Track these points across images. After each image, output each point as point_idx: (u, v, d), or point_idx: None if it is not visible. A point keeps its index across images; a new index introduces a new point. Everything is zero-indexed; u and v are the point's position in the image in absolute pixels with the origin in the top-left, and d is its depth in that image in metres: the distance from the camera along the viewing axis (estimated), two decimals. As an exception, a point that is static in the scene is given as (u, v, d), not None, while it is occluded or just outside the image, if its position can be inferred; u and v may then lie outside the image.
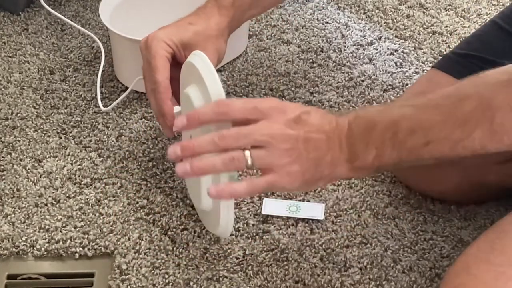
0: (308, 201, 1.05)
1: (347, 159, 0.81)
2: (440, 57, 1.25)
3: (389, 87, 1.26)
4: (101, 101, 1.22)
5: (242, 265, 0.97)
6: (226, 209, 0.90)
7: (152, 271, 0.96)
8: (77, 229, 1.01)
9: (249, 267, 0.97)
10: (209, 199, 0.93)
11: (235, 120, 0.82)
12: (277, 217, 1.03)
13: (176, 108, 0.99)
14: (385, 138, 0.79)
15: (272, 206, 1.03)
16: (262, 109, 0.80)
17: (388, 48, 1.36)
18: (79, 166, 1.11)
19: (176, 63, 1.00)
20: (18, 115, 1.20)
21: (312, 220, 1.03)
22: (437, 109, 0.78)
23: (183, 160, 0.83)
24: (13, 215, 1.03)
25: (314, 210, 1.04)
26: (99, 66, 1.30)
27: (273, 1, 1.18)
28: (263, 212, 1.01)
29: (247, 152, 0.79)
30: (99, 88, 1.21)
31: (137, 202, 1.05)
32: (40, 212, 1.04)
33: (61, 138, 1.16)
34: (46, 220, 1.02)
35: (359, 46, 1.36)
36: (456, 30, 1.40)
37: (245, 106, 0.81)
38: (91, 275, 0.97)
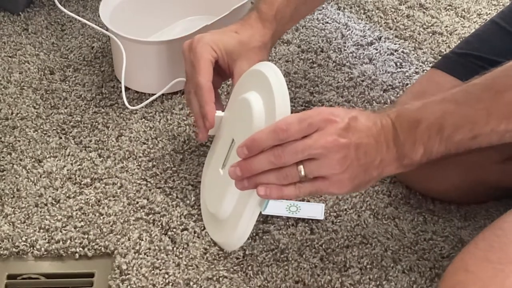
0: (308, 201, 1.05)
1: (395, 159, 0.83)
2: (440, 57, 1.25)
3: (389, 87, 1.26)
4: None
5: (242, 265, 0.97)
6: (248, 220, 0.91)
7: (152, 271, 0.96)
8: (77, 229, 1.01)
9: (249, 267, 0.97)
10: (230, 207, 0.93)
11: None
12: (277, 217, 1.03)
13: (217, 113, 0.99)
14: (431, 135, 0.81)
15: (272, 206, 1.03)
16: (315, 123, 0.82)
17: (388, 48, 1.36)
18: (79, 166, 1.11)
19: (214, 69, 1.01)
20: (18, 115, 1.20)
21: (312, 220, 1.03)
22: (479, 103, 0.80)
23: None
24: (13, 215, 1.03)
25: (314, 210, 1.04)
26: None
27: (308, 11, 1.18)
28: (263, 212, 1.01)
29: (300, 167, 0.82)
30: (122, 84, 1.19)
31: (137, 202, 1.05)
32: (40, 212, 1.04)
33: (61, 138, 1.16)
34: (46, 220, 1.02)
35: (359, 46, 1.36)
36: (456, 30, 1.40)
37: (301, 127, 0.82)
38: (91, 275, 0.97)
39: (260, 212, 0.92)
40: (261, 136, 0.84)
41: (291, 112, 1.21)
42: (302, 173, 0.83)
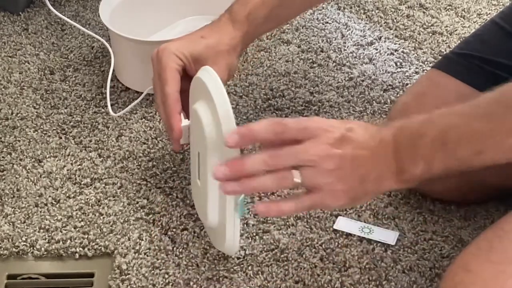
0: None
1: (394, 173, 0.80)
2: (440, 57, 1.25)
3: (389, 87, 1.27)
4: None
5: (242, 265, 0.97)
6: (232, 227, 0.90)
7: (152, 271, 0.96)
8: (77, 229, 1.01)
9: (249, 267, 0.97)
10: (215, 216, 0.92)
11: (285, 139, 0.81)
12: (277, 217, 1.03)
13: (184, 122, 0.98)
14: (433, 150, 0.78)
15: (345, 225, 1.02)
16: (311, 130, 0.80)
17: (388, 48, 1.36)
18: (79, 166, 1.11)
19: (186, 77, 0.99)
20: (18, 115, 1.20)
21: (313, 219, 1.03)
22: (486, 118, 0.76)
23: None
24: (13, 215, 1.03)
25: (387, 235, 1.01)
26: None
27: (290, 15, 1.16)
28: (335, 227, 1.01)
29: (296, 172, 0.80)
30: (107, 90, 1.20)
31: (137, 202, 1.05)
32: (40, 212, 1.04)
33: (61, 138, 1.16)
34: (46, 220, 1.02)
35: (359, 46, 1.36)
36: (456, 30, 1.40)
37: (298, 127, 0.80)
38: (91, 275, 0.97)
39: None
40: (257, 126, 0.81)
41: (292, 114, 1.21)
42: (297, 179, 0.80)
